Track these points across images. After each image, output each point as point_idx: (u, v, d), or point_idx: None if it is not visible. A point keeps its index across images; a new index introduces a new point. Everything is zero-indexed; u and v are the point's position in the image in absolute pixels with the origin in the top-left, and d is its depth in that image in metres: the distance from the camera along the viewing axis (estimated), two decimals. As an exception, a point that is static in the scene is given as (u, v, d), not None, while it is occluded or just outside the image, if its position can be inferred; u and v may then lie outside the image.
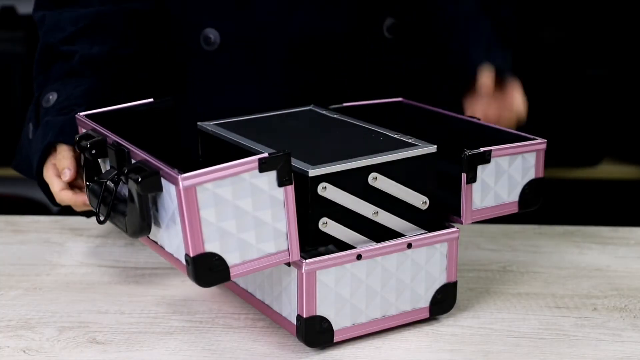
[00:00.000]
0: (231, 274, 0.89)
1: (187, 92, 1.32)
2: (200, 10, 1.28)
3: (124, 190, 0.97)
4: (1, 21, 2.47)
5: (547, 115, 2.26)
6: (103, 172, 1.03)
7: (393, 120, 1.19)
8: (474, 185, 1.02)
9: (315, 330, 0.96)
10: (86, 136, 1.03)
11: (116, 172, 0.96)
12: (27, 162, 1.23)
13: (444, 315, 1.05)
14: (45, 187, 1.20)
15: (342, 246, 0.97)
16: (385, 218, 0.99)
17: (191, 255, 0.87)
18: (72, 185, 1.16)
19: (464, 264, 1.20)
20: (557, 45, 2.30)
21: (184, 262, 0.89)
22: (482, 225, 1.33)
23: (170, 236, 0.91)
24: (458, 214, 1.03)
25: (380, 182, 0.97)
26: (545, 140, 1.07)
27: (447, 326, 1.03)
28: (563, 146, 2.29)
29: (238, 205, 0.88)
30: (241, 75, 1.29)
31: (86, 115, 1.07)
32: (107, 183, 0.97)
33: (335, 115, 1.15)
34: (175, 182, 0.86)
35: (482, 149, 1.01)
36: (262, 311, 1.04)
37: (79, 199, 1.15)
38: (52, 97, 1.21)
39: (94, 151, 1.00)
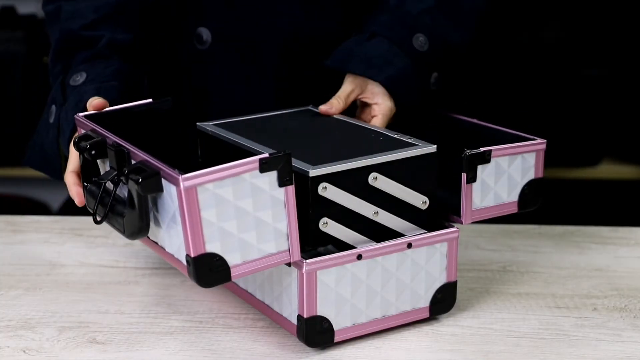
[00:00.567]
0: (232, 275, 0.89)
1: (183, 90, 1.32)
2: (191, 8, 1.29)
3: (121, 191, 0.97)
4: (1, 21, 2.47)
5: (547, 115, 2.26)
6: (102, 173, 1.02)
7: (393, 120, 1.19)
8: (474, 185, 1.02)
9: (315, 330, 0.96)
10: (85, 137, 1.02)
11: (116, 172, 0.95)
12: (42, 155, 1.21)
13: (444, 315, 1.05)
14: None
15: (343, 246, 0.97)
16: (386, 218, 0.99)
17: (192, 255, 0.87)
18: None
19: (464, 264, 1.20)
20: (557, 45, 2.30)
21: (184, 262, 0.89)
22: (482, 225, 1.33)
23: (171, 237, 0.91)
24: (458, 213, 1.03)
25: (381, 182, 0.97)
26: (545, 141, 1.07)
27: (447, 326, 1.03)
28: (563, 146, 2.28)
29: (239, 206, 0.88)
30: (234, 74, 1.29)
31: (85, 116, 1.07)
32: (106, 184, 0.97)
33: (334, 115, 1.15)
34: (176, 182, 0.86)
35: (482, 149, 1.01)
36: (263, 311, 1.04)
37: (77, 190, 1.08)
38: (81, 77, 1.19)
39: (93, 152, 1.00)
